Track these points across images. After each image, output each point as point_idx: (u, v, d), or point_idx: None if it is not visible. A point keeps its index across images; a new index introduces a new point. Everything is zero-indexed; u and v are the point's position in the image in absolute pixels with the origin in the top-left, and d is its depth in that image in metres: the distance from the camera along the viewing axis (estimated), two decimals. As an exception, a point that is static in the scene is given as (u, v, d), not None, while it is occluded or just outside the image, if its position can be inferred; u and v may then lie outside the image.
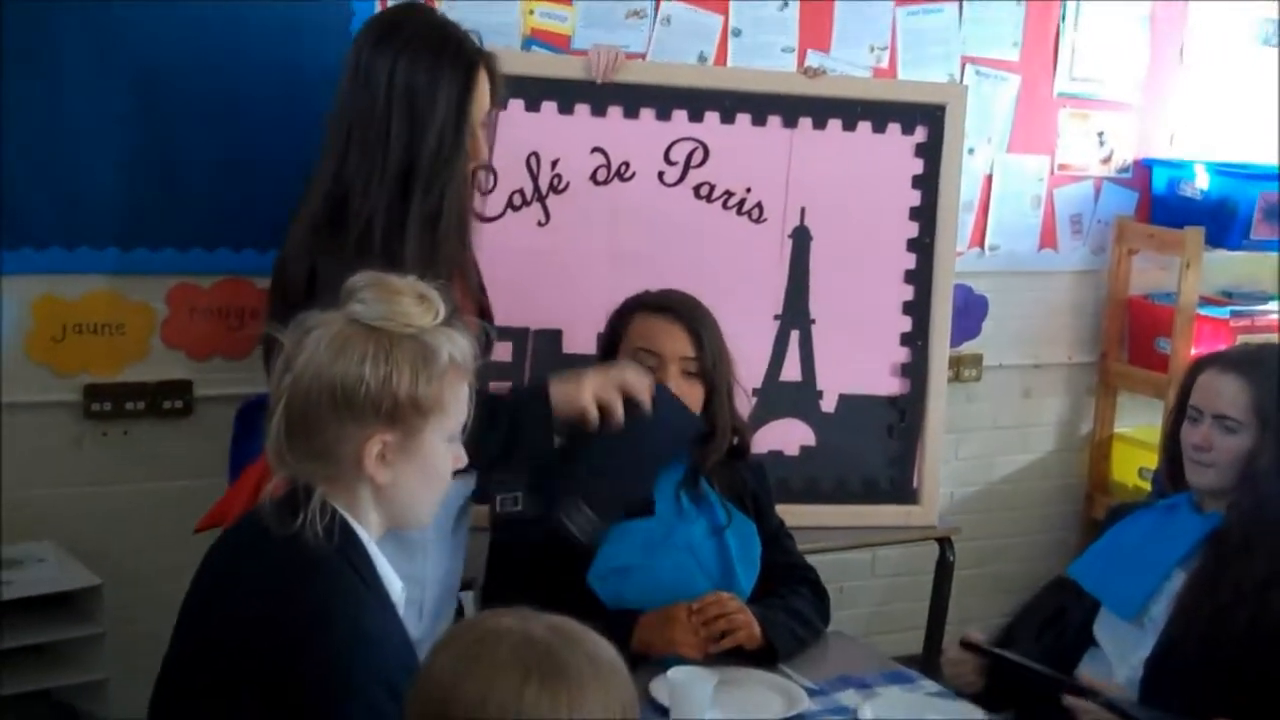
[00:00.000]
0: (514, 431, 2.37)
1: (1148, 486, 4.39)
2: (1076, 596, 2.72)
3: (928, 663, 3.43)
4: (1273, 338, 4.30)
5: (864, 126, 3.40)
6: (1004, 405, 4.48)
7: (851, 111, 3.38)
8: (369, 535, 1.83)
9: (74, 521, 3.16)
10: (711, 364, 2.59)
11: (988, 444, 4.45)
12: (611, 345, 2.65)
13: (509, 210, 3.19)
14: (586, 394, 2.39)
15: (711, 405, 2.60)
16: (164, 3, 3.10)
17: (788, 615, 2.57)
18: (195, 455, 3.37)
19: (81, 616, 2.89)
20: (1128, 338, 4.56)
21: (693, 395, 2.57)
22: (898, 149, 3.41)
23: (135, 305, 3.25)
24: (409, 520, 1.88)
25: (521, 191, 3.20)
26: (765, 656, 2.49)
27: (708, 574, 2.56)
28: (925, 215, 3.43)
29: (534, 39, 3.59)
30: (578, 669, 1.37)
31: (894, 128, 3.41)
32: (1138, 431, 4.58)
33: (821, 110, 3.36)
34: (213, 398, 3.38)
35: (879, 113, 3.40)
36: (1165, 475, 2.74)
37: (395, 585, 1.86)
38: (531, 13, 3.56)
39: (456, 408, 1.83)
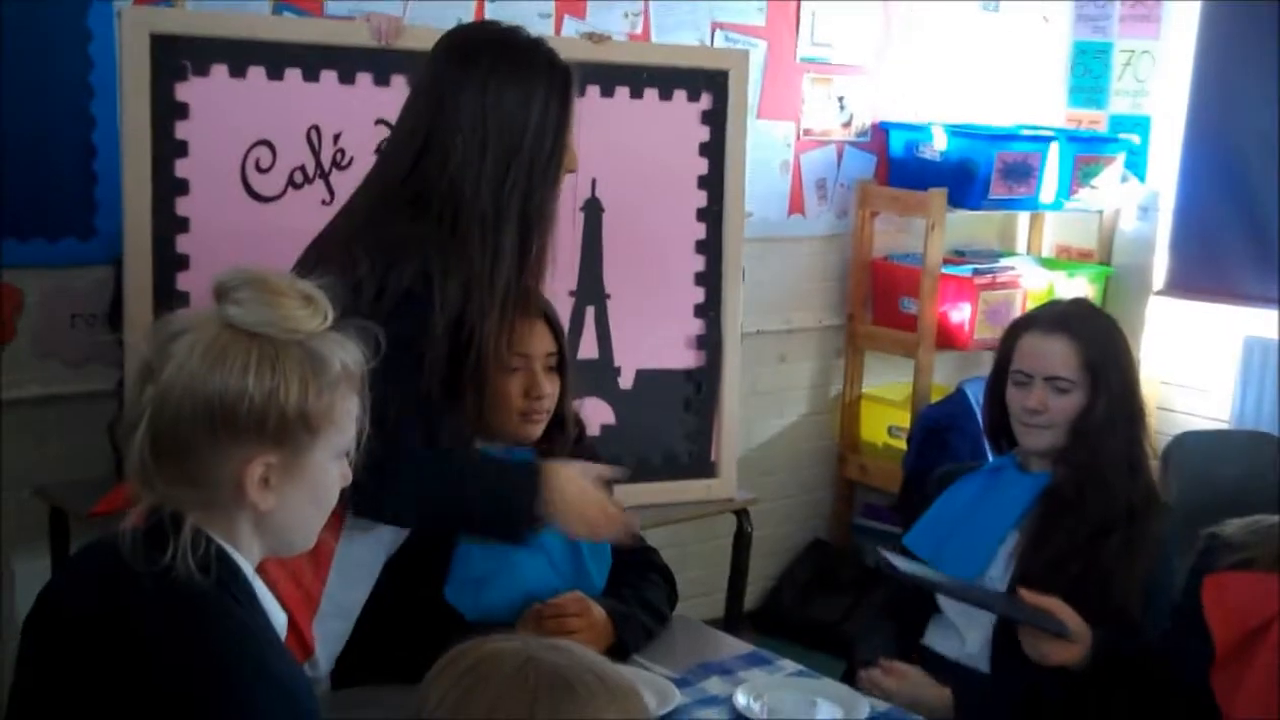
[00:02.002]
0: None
1: (898, 444, 4.51)
2: None
3: (730, 629, 3.40)
4: (1014, 294, 4.46)
5: (650, 94, 3.29)
6: (761, 371, 4.50)
7: (638, 78, 3.27)
8: (249, 565, 1.61)
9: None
10: (567, 355, 2.47)
11: (746, 410, 4.42)
12: None
13: (290, 189, 2.95)
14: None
15: (564, 397, 2.46)
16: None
17: (642, 609, 2.48)
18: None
19: None
20: (872, 299, 4.65)
21: (554, 390, 2.43)
22: (684, 116, 3.33)
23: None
24: (292, 546, 1.68)
25: (303, 168, 2.96)
26: (616, 651, 2.38)
27: (561, 574, 2.43)
28: (713, 183, 3.37)
29: (284, 4, 3.34)
30: (587, 688, 1.25)
31: (680, 94, 3.32)
32: (885, 390, 4.68)
33: (608, 77, 3.24)
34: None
35: (665, 79, 3.30)
36: (990, 438, 2.77)
37: (279, 619, 1.65)
38: (283, -25, 3.32)
39: (347, 422, 1.62)
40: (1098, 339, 2.59)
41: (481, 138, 2.20)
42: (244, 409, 1.52)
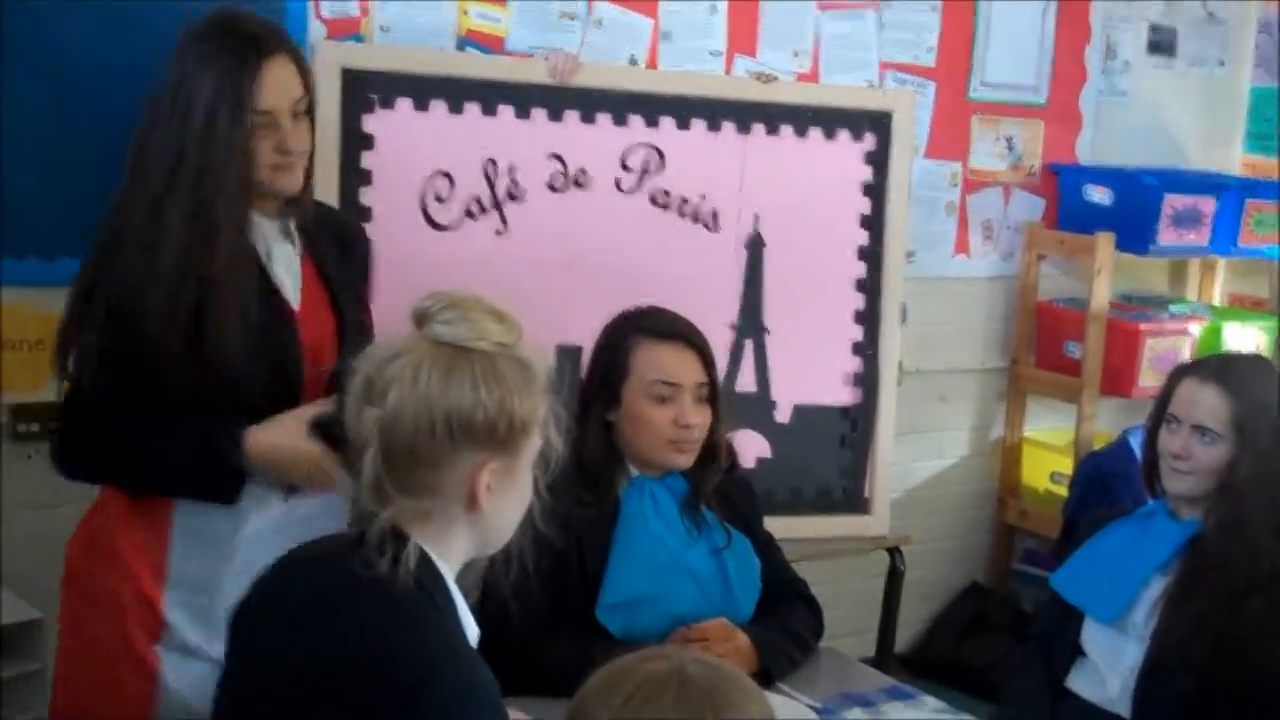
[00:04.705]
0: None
1: (1060, 490, 4.46)
2: (1064, 613, 2.73)
3: (880, 667, 3.43)
4: (1181, 341, 4.40)
5: (815, 133, 3.37)
6: (920, 411, 4.49)
7: (803, 118, 3.35)
8: (450, 573, 1.72)
9: (6, 551, 2.94)
10: (719, 386, 2.54)
11: (905, 450, 4.44)
12: (612, 376, 2.53)
13: (466, 218, 3.08)
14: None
15: (717, 428, 2.53)
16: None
17: (786, 638, 2.54)
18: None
19: (21, 653, 2.71)
20: (1036, 342, 4.63)
21: (704, 420, 2.50)
22: (848, 156, 3.40)
23: (55, 318, 3.04)
24: (493, 545, 1.79)
25: (479, 199, 3.09)
26: (759, 677, 2.44)
27: (710, 599, 2.49)
28: (874, 223, 3.42)
29: (469, 40, 3.48)
30: (742, 704, 1.35)
31: (844, 134, 3.40)
32: (1048, 435, 4.64)
33: (774, 116, 3.33)
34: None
35: (829, 119, 3.38)
36: (1145, 477, 2.76)
37: (472, 629, 1.74)
38: (466, 13, 3.45)
39: (546, 424, 1.75)
40: (1254, 395, 2.57)
41: (179, 135, 2.12)
42: (480, 419, 1.64)
